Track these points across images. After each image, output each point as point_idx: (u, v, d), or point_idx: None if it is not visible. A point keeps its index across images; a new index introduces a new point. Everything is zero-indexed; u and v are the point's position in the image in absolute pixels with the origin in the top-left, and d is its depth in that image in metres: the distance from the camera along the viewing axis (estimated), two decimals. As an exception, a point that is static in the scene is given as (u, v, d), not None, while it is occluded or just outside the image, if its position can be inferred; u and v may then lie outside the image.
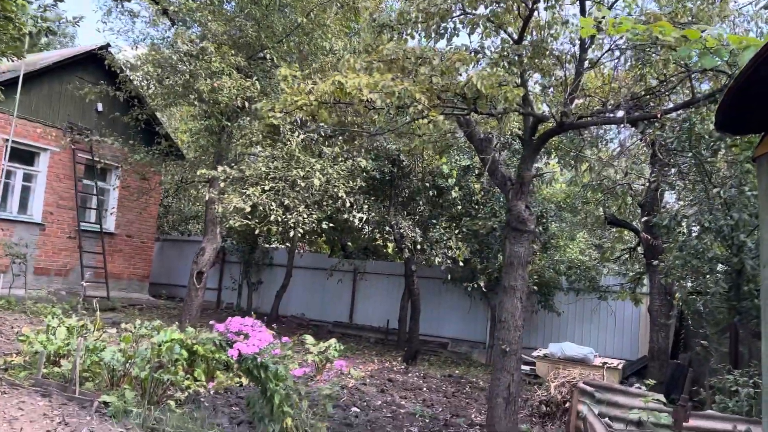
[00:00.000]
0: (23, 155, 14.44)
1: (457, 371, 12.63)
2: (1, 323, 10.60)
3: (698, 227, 7.09)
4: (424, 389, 10.36)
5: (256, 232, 11.25)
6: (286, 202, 11.07)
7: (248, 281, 18.05)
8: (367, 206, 12.75)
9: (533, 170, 7.00)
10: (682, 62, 5.49)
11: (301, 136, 11.12)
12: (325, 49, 11.63)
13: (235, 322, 5.38)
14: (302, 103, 5.16)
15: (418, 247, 12.25)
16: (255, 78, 11.15)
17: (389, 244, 15.23)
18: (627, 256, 13.86)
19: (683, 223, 7.27)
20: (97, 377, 7.19)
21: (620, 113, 6.63)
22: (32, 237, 14.41)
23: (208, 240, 12.61)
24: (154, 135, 14.02)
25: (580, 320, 14.51)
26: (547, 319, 14.66)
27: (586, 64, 6.25)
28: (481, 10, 6.14)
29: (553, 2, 6.26)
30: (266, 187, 10.73)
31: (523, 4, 6.27)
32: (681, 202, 8.52)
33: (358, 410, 8.08)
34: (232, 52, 10.91)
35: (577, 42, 6.36)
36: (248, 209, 10.44)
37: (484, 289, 12.58)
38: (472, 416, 8.65)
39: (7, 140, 13.40)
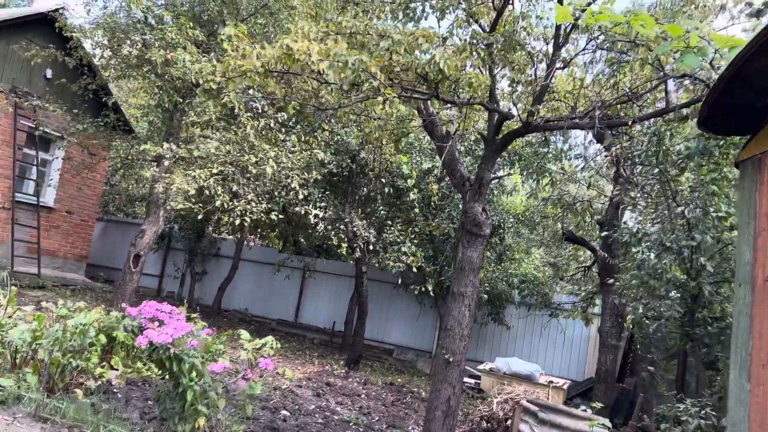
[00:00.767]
0: (-42, 116, 13.47)
1: (399, 379, 12.17)
2: None
3: (658, 246, 6.79)
4: (363, 396, 9.86)
5: (199, 217, 10.62)
6: (235, 188, 10.48)
7: (192, 271, 17.27)
8: (323, 202, 12.22)
9: (493, 173, 6.60)
10: (659, 66, 5.17)
11: (261, 123, 10.58)
12: (290, 31, 11.10)
13: (150, 307, 4.81)
14: (246, 68, 4.63)
15: (371, 247, 11.79)
16: (212, 55, 10.54)
17: (343, 245, 14.76)
18: (581, 274, 13.66)
19: (643, 242, 6.97)
20: (0, 358, 6.49)
21: (589, 119, 6.27)
22: (-40, 204, 13.44)
23: (149, 222, 11.89)
24: (103, 107, 13.22)
25: (529, 336, 14.24)
26: (497, 332, 14.35)
27: (559, 63, 5.88)
28: (453, -6, 5.71)
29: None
30: (214, 170, 10.13)
31: (498, -6, 5.89)
32: (642, 220, 8.25)
33: (288, 414, 7.54)
34: (191, 24, 10.28)
35: (551, 39, 5.99)
36: (192, 192, 9.82)
37: (432, 293, 12.17)
38: (409, 428, 8.19)
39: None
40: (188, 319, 8.84)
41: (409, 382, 12.07)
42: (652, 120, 7.21)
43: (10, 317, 7.97)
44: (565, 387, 10.81)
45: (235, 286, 16.65)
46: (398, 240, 11.91)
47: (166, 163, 10.23)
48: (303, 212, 11.28)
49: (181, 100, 10.79)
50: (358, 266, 12.68)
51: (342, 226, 12.20)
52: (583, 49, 5.78)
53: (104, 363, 7.19)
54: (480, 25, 6.16)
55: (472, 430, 8.33)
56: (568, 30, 5.79)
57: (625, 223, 9.98)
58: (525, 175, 11.97)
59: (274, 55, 4.30)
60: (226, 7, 11.05)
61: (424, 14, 5.88)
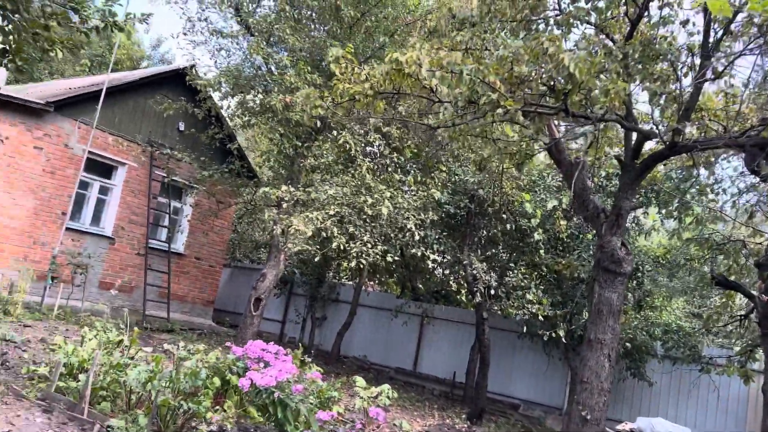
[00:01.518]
0: (101, 168, 14.48)
1: (527, 438, 11.14)
2: (50, 332, 10.24)
3: None
4: (486, 454, 9.01)
5: (316, 259, 10.48)
6: (351, 230, 10.27)
7: (312, 316, 17.27)
8: (439, 245, 11.72)
9: (633, 202, 5.81)
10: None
11: (376, 163, 10.42)
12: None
13: (255, 347, 4.49)
14: (356, 91, 4.31)
15: (492, 292, 11.05)
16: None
17: (462, 290, 14.10)
18: (736, 324, 12.00)
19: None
20: (117, 398, 6.47)
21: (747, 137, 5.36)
22: (101, 250, 14.31)
23: (270, 266, 11.98)
24: (229, 154, 13.73)
25: (675, 394, 12.65)
26: (636, 388, 12.89)
27: (709, 73, 5.08)
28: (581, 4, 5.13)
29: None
30: (330, 212, 9.99)
31: (633, 2, 5.24)
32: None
33: (404, 470, 6.92)
34: (308, 68, 10.40)
35: (698, 49, 5.21)
36: (309, 233, 9.70)
37: (562, 340, 11.09)
38: (540, 494, 7.26)
39: (85, 151, 13.49)
40: (302, 363, 8.55)
41: (538, 441, 11.01)
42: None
43: (132, 358, 8.11)
44: (723, 455, 9.32)
45: (354, 332, 16.39)
46: (522, 284, 11.09)
47: (285, 205, 10.23)
48: (419, 254, 10.84)
49: (300, 144, 10.87)
50: (478, 313, 11.95)
51: (461, 270, 11.61)
52: (741, 54, 4.96)
53: (217, 407, 7.02)
54: (612, 40, 5.52)
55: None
56: (719, 34, 5.01)
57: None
58: (664, 212, 10.81)
59: (382, 72, 3.95)
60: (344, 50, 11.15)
61: (548, 29, 5.33)
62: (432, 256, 11.08)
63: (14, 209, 12.58)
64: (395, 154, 10.50)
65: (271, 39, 10.99)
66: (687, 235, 11.65)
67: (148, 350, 8.32)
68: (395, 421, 8.24)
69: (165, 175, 15.16)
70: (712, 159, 7.40)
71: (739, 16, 4.74)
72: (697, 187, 10.45)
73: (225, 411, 7.02)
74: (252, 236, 20.42)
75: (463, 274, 11.57)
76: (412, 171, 11.30)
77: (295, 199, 10.10)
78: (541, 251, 11.00)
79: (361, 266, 10.22)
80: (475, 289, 11.03)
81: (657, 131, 5.30)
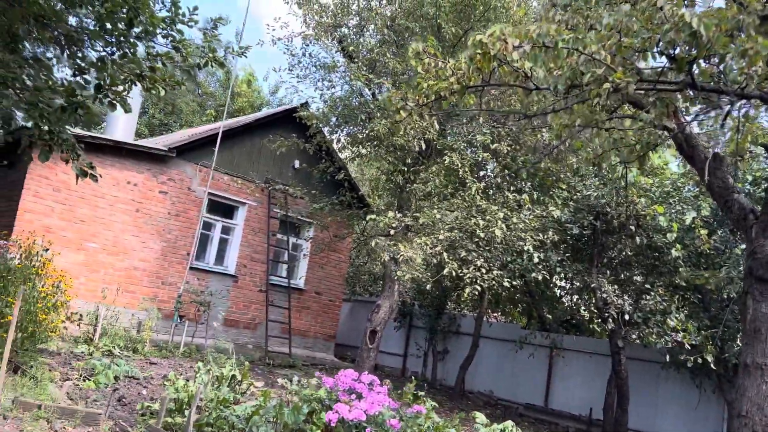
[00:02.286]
0: (223, 208, 15.02)
1: (679, 483, 9.77)
2: (174, 369, 10.49)
3: None
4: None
5: (428, 287, 10.00)
6: (463, 254, 9.69)
7: (433, 349, 16.67)
8: (563, 268, 10.81)
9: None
10: None
11: (486, 183, 9.85)
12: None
13: (346, 377, 4.06)
14: (441, 88, 3.86)
15: (626, 317, 9.93)
16: (433, 118, 10.18)
17: (594, 319, 12.96)
18: None
19: None
20: (223, 435, 6.29)
21: None
22: (225, 288, 14.71)
23: (384, 297, 11.65)
24: (339, 186, 13.71)
25: None
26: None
27: None
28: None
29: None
30: (440, 236, 9.50)
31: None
32: None
33: None
34: (411, 90, 10.10)
35: None
36: (419, 260, 9.25)
37: (713, 367, 9.64)
38: None
39: (207, 192, 14.04)
40: (415, 397, 8.00)
41: (693, 488, 9.61)
42: None
43: (243, 393, 8.01)
44: None
45: (477, 365, 15.57)
46: (660, 308, 9.89)
47: (392, 232, 9.89)
48: (541, 279, 10.01)
49: (406, 170, 10.55)
50: (612, 341, 10.81)
51: (590, 295, 10.61)
52: None
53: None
54: None
55: None
56: None
57: None
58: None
59: (467, 56, 3.46)
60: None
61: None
62: (559, 283, 10.22)
63: (143, 252, 13.24)
64: (506, 172, 9.87)
65: (375, 65, 10.87)
66: None
67: (259, 385, 8.18)
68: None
69: (282, 212, 15.45)
70: None
71: None
72: None
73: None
74: (370, 269, 20.32)
75: (593, 299, 10.56)
76: (528, 189, 10.57)
77: (403, 225, 9.71)
78: (681, 269, 9.76)
79: (477, 293, 9.56)
80: (606, 314, 9.99)
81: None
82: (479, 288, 9.48)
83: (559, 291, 15.12)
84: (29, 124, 4.86)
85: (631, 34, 3.24)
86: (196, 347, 12.51)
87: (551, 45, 3.14)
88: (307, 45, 11.52)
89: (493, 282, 9.59)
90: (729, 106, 4.09)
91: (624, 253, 11.26)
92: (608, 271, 10.65)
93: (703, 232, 7.64)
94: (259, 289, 15.38)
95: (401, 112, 4.28)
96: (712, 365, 9.35)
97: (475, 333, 15.23)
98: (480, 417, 8.48)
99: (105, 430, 5.90)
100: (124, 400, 7.39)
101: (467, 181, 9.78)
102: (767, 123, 5.28)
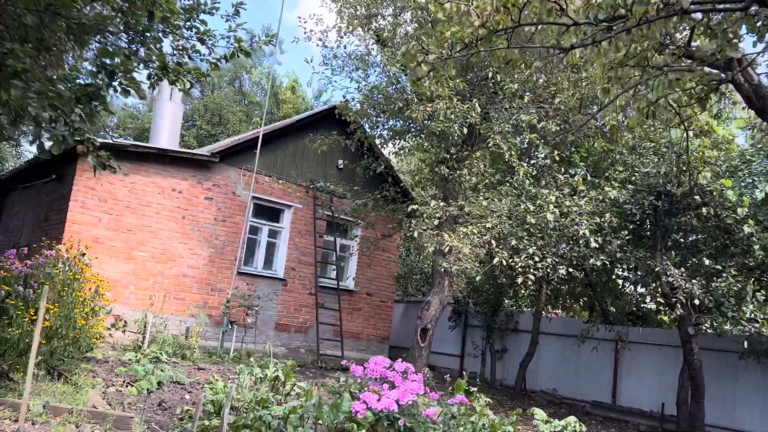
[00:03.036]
0: (269, 212, 14.87)
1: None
2: (222, 374, 10.31)
3: None
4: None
5: (477, 278, 9.47)
6: (513, 242, 9.13)
7: (491, 348, 16.04)
8: (624, 254, 10.07)
9: None
10: None
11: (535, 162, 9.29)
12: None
13: (377, 364, 3.64)
14: (466, 35, 3.41)
15: (696, 301, 9.12)
16: (474, 101, 9.66)
17: (662, 309, 12.11)
18: None
19: None
20: (261, 436, 5.96)
21: None
22: (275, 292, 14.53)
23: (434, 293, 11.18)
24: (383, 182, 13.33)
25: None
26: None
27: None
28: None
29: None
30: (488, 225, 8.97)
31: None
32: None
33: None
34: (451, 74, 9.63)
35: None
36: (466, 250, 8.75)
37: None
38: None
39: (253, 197, 13.93)
40: (467, 393, 7.50)
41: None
42: None
43: (287, 394, 7.69)
44: None
45: (538, 363, 14.87)
46: (733, 290, 9.05)
47: (436, 222, 9.42)
48: (600, 265, 9.34)
49: (448, 156, 10.07)
50: (682, 329, 10.01)
51: (655, 282, 9.85)
52: None
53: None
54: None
55: None
56: None
57: None
58: None
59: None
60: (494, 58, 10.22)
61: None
62: (621, 273, 9.52)
63: (192, 259, 13.19)
64: (555, 153, 9.26)
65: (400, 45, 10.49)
66: None
67: (303, 385, 7.83)
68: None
69: (329, 213, 15.19)
70: None
71: None
72: None
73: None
74: (421, 267, 19.85)
75: (659, 285, 9.81)
76: (580, 170, 9.92)
77: (447, 214, 9.23)
78: (756, 247, 8.91)
79: (533, 286, 8.99)
80: (674, 300, 9.22)
81: None
82: (532, 278, 8.89)
83: (621, 281, 14.28)
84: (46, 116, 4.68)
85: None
86: (247, 352, 12.34)
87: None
88: (342, 37, 11.22)
89: (548, 270, 8.98)
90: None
91: (691, 237, 10.46)
92: (673, 253, 9.86)
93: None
94: (308, 293, 15.15)
95: (422, 66, 3.84)
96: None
97: (534, 329, 14.54)
98: (539, 413, 7.90)
99: (138, 433, 5.67)
100: (164, 404, 7.19)
101: (514, 164, 9.23)
102: None
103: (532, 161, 10.20)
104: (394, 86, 10.43)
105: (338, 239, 15.66)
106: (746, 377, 11.68)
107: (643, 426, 12.54)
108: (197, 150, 15.35)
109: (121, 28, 6.14)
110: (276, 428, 5.56)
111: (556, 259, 9.25)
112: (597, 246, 9.16)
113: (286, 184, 14.74)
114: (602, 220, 9.23)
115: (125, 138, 24.50)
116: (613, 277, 13.80)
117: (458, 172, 10.04)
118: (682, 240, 10.69)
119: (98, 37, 5.92)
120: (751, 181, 8.99)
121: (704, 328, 10.65)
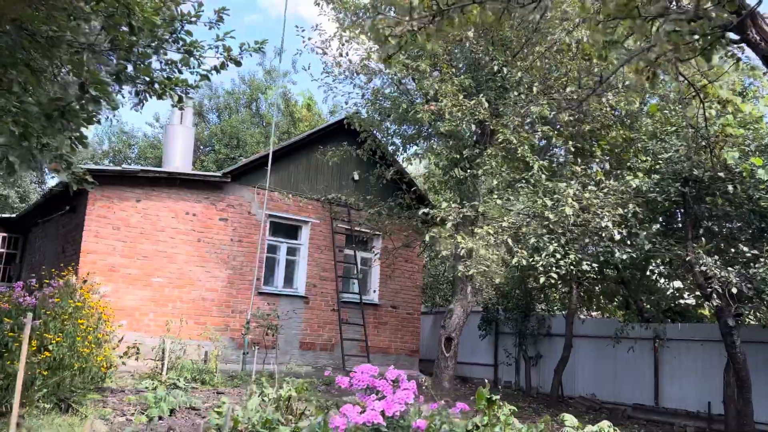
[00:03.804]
0: (286, 229, 14.62)
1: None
2: (241, 398, 10.00)
3: None
4: None
5: (497, 281, 9.03)
6: (532, 240, 8.67)
7: (524, 355, 15.46)
8: (653, 245, 9.50)
9: None
10: None
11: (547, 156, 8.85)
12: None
13: (363, 374, 3.29)
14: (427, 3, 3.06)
15: (734, 290, 8.50)
16: (482, 96, 9.26)
17: (701, 302, 11.46)
18: None
19: None
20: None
21: None
22: (297, 310, 14.23)
23: (456, 300, 10.76)
24: (397, 188, 12.99)
25: None
26: None
27: None
28: None
29: None
30: (504, 224, 8.55)
31: None
32: None
33: None
34: (453, 71, 9.28)
35: None
36: (482, 251, 8.33)
37: None
38: None
39: (269, 215, 13.72)
40: (488, 402, 7.03)
41: None
42: None
43: (302, 414, 7.34)
44: None
45: (574, 367, 14.25)
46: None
47: (449, 225, 9.02)
48: (626, 258, 8.81)
49: (458, 157, 9.69)
50: (721, 320, 9.39)
51: (688, 273, 9.28)
52: None
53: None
54: None
55: None
56: None
57: None
58: None
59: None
60: (493, 46, 9.86)
61: None
62: (655, 269, 8.99)
63: (210, 282, 12.98)
64: (570, 144, 8.81)
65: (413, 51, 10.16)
66: None
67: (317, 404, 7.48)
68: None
69: (347, 226, 14.89)
70: None
71: None
72: None
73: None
74: (447, 277, 19.37)
75: (693, 276, 9.22)
76: (599, 160, 9.44)
77: (462, 217, 8.83)
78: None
79: (551, 283, 8.51)
80: (709, 290, 8.64)
81: None
82: (555, 276, 8.41)
83: (656, 276, 13.64)
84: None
85: None
86: (269, 374, 12.02)
87: None
88: (343, 44, 10.98)
89: (571, 267, 8.49)
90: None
91: (726, 225, 9.85)
92: (704, 240, 9.26)
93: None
94: (331, 309, 14.81)
95: (390, 39, 3.49)
96: None
97: (567, 333, 13.97)
98: (570, 419, 7.38)
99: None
100: (173, 431, 6.90)
101: (528, 159, 8.81)
102: None
103: (548, 155, 9.74)
104: (396, 88, 10.13)
105: (358, 252, 15.34)
106: (797, 369, 10.94)
107: (690, 428, 11.82)
108: (210, 172, 15.24)
109: (106, 46, 5.95)
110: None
111: (580, 255, 8.76)
112: (621, 238, 8.65)
113: (302, 199, 14.50)
114: (626, 211, 8.72)
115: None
116: (647, 273, 13.18)
117: (471, 171, 9.64)
118: (716, 228, 10.08)
119: (89, 55, 5.74)
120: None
121: (747, 319, 10.00)
